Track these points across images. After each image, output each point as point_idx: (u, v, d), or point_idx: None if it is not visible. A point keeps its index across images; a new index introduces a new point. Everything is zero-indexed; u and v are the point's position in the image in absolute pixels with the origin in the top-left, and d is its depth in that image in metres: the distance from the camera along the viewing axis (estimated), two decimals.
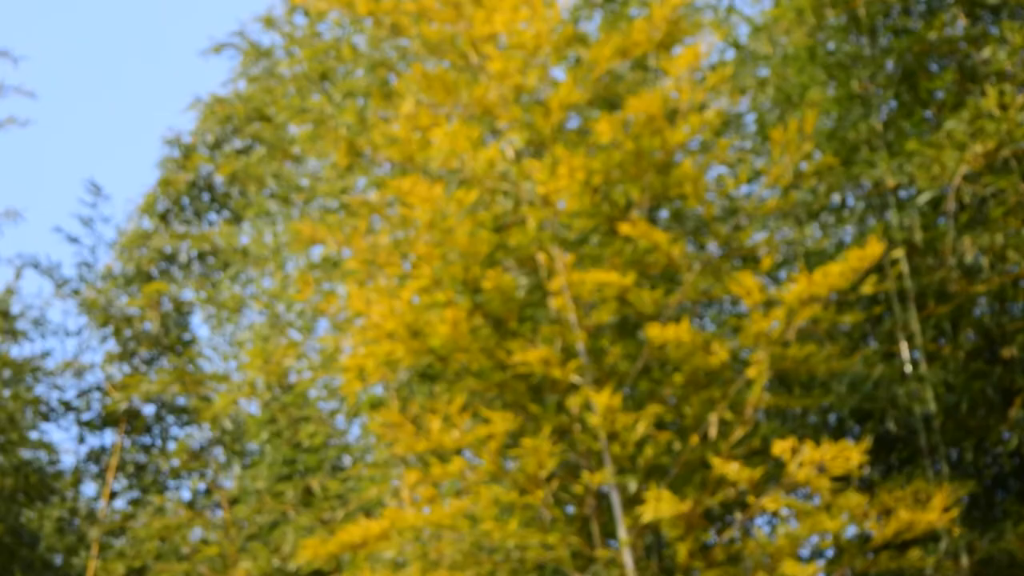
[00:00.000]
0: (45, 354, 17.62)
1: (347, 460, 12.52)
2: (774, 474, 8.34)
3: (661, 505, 7.99)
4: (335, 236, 10.10)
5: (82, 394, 17.49)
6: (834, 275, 8.38)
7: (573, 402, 8.71)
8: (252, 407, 14.36)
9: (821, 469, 7.99)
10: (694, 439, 8.67)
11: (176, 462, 16.68)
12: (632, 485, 8.66)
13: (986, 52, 10.71)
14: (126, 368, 16.79)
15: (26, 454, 16.99)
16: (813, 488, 8.23)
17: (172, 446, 17.21)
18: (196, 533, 13.13)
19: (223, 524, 12.61)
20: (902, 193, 12.07)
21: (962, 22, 11.82)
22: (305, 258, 12.72)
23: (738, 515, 9.10)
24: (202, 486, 16.37)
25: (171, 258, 17.38)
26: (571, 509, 9.18)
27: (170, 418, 17.55)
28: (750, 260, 10.29)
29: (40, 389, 17.26)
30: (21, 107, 43.14)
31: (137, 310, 16.70)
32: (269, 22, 13.23)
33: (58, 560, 16.31)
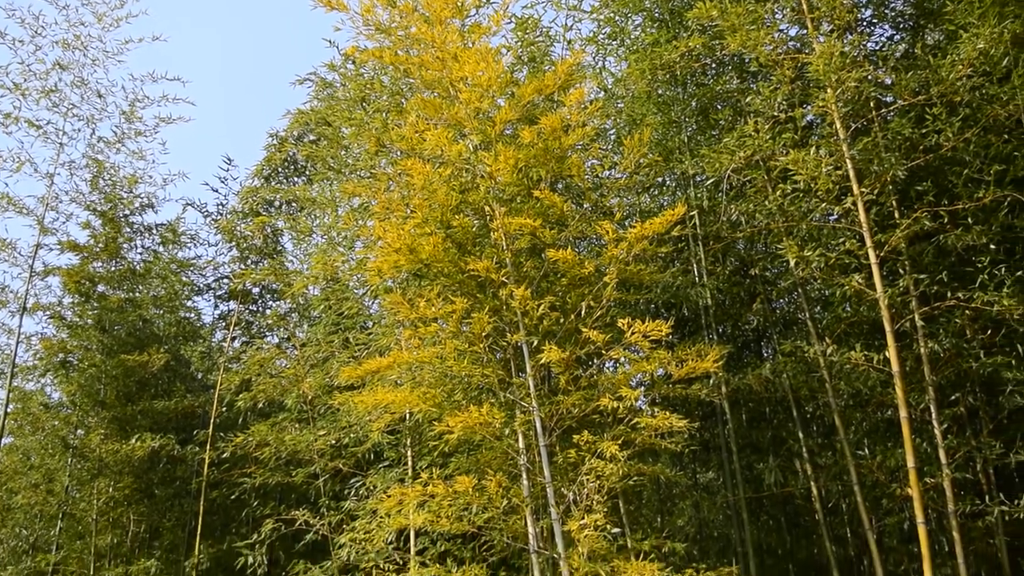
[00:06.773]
0: (196, 256, 17.48)
1: (369, 323, 12.38)
2: (617, 338, 8.30)
3: (551, 354, 7.90)
4: (367, 192, 9.92)
5: (216, 280, 17.28)
6: (656, 224, 8.28)
7: (502, 293, 8.59)
8: (315, 290, 14.29)
9: (645, 336, 7.95)
10: (572, 317, 8.61)
11: (270, 321, 16.64)
12: (535, 341, 8.60)
13: (748, 98, 10.61)
14: (242, 266, 16.63)
15: (184, 314, 16.89)
16: (639, 346, 8.21)
17: (268, 312, 17.15)
18: (281, 363, 13.00)
19: (297, 358, 12.42)
20: (698, 178, 12.03)
21: (735, 80, 11.73)
22: (348, 205, 12.53)
23: (596, 361, 9.07)
24: (285, 335, 16.26)
25: (270, 203, 17.26)
26: (500, 355, 9.11)
27: (267, 295, 17.39)
28: (608, 214, 10.21)
29: (192, 276, 17.07)
30: (185, 110, 42.13)
31: (250, 232, 16.56)
32: (331, 67, 12.95)
33: (199, 375, 16.23)
